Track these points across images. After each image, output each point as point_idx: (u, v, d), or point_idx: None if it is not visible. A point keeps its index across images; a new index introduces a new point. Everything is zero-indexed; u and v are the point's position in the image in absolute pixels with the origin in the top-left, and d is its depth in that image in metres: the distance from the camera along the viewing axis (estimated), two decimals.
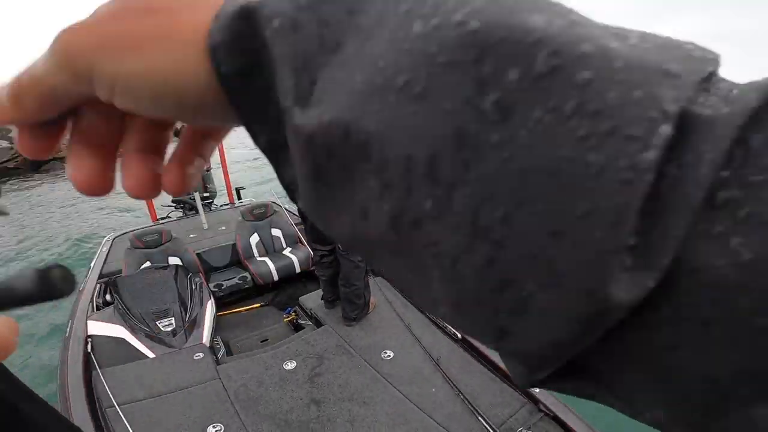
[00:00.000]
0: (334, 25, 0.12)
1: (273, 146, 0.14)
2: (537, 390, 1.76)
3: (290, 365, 2.02)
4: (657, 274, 0.08)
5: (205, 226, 4.00)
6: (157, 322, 2.27)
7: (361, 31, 0.11)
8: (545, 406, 1.72)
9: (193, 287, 2.63)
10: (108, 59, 0.13)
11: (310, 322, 2.60)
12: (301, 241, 3.62)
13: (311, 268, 3.38)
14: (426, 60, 0.10)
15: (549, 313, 0.09)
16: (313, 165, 0.12)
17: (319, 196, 0.13)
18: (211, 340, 2.35)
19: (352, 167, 0.11)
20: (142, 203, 5.24)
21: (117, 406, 1.71)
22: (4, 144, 13.06)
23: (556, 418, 1.68)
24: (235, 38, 0.12)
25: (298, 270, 3.35)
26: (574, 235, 0.09)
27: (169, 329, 2.25)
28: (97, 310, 2.57)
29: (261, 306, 3.28)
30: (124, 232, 3.88)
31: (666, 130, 0.08)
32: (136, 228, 3.51)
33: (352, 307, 2.34)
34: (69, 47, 0.13)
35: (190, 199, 4.32)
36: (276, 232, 3.61)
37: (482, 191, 0.09)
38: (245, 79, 0.13)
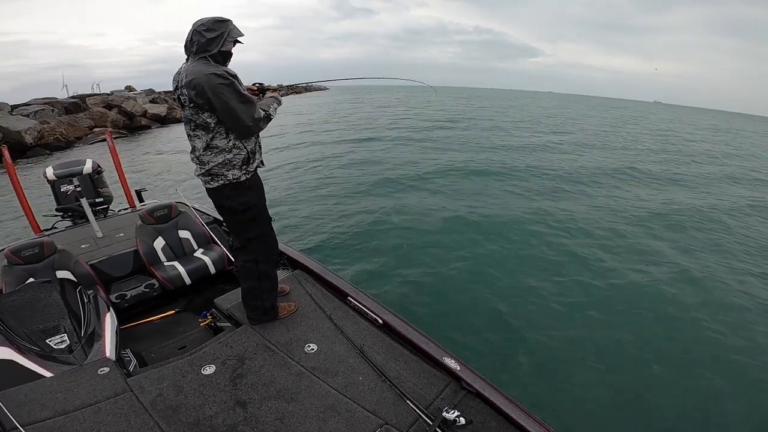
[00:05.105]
0: None
1: None
2: (458, 368, 1.87)
3: (209, 370, 1.94)
4: None
5: (100, 234, 3.66)
6: (47, 341, 2.09)
7: None
8: (467, 383, 1.81)
9: (85, 300, 2.43)
10: None
11: (228, 323, 2.51)
12: (214, 241, 3.45)
13: (228, 268, 3.26)
14: None
15: None
16: None
17: None
18: (118, 353, 2.20)
19: None
20: (21, 214, 4.57)
21: (21, 428, 1.55)
22: None
23: (478, 394, 1.77)
24: None
25: (213, 271, 3.20)
26: None
27: (63, 346, 2.09)
28: None
29: (176, 312, 3.11)
30: None
31: None
32: (12, 242, 3.07)
33: (249, 307, 2.26)
34: None
35: (78, 206, 3.86)
36: (184, 233, 3.40)
37: None
38: None
